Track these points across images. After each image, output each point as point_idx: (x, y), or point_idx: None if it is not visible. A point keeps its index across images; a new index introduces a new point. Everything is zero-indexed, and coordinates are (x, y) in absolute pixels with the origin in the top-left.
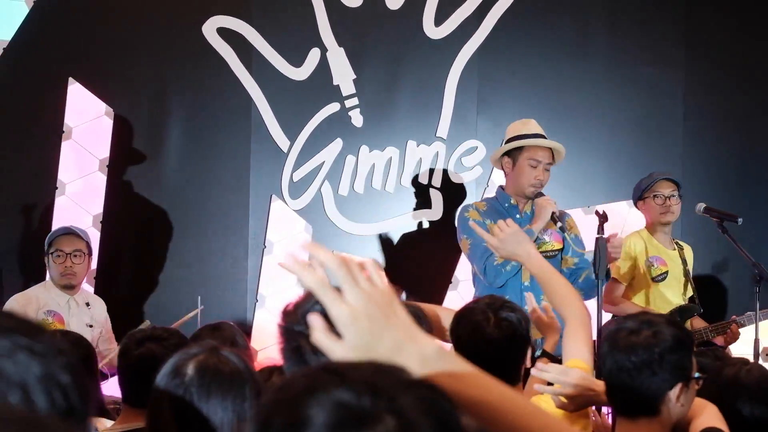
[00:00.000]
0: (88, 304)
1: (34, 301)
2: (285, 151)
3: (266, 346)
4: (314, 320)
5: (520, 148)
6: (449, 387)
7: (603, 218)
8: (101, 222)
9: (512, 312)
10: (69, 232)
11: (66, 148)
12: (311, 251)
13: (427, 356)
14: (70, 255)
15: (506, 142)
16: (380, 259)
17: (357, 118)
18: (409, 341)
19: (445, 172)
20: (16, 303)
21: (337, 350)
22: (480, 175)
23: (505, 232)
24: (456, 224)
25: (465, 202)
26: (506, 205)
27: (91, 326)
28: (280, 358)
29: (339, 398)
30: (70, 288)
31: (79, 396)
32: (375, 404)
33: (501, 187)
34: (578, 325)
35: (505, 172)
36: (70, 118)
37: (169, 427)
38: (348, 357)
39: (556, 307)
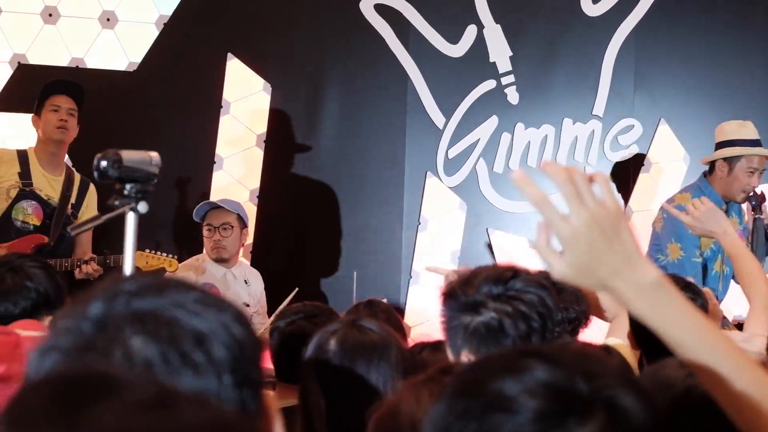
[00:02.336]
0: (246, 282)
1: (193, 273)
2: (440, 128)
3: (420, 322)
4: (539, 230)
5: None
6: (657, 320)
7: (761, 198)
8: (258, 197)
9: (695, 294)
10: (216, 207)
11: (224, 123)
12: (544, 168)
13: (644, 285)
14: (218, 229)
15: (722, 144)
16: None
17: (513, 96)
18: (628, 267)
19: (600, 150)
20: (185, 266)
21: (555, 265)
22: (636, 154)
23: (700, 210)
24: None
25: (668, 199)
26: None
27: (248, 305)
28: (444, 332)
29: (550, 381)
30: (222, 261)
31: (251, 346)
32: (592, 390)
33: (706, 179)
34: (761, 309)
35: (716, 174)
36: (228, 94)
37: (318, 404)
38: (566, 274)
39: (743, 287)
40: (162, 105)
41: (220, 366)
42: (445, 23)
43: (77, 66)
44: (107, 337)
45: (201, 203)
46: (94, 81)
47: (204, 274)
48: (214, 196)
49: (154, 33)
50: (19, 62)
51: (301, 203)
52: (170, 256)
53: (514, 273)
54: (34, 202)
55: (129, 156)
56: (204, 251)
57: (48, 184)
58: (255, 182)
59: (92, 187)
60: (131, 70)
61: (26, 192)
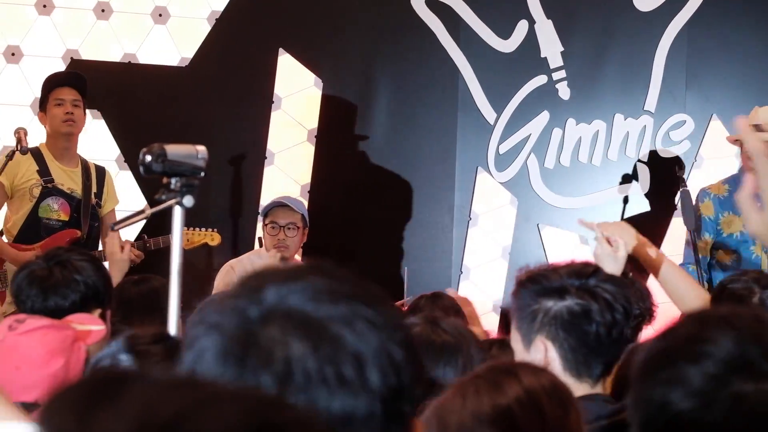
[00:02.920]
0: None
1: (249, 268)
2: (491, 123)
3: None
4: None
5: None
6: None
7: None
8: (308, 192)
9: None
10: (284, 205)
11: (275, 118)
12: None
13: None
14: (283, 228)
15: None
16: (586, 233)
17: (564, 91)
18: None
19: (652, 146)
20: (231, 268)
21: (753, 218)
22: (688, 150)
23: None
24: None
25: (702, 187)
26: None
27: None
28: (515, 317)
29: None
30: (283, 260)
31: (410, 374)
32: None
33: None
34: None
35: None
36: (279, 89)
37: None
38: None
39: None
40: (213, 100)
41: (373, 392)
42: (497, 18)
43: (129, 61)
44: (270, 334)
45: (274, 199)
46: (146, 76)
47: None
48: (265, 192)
49: (206, 28)
50: (71, 58)
51: (351, 198)
52: (211, 230)
53: (595, 268)
54: (59, 198)
55: (174, 150)
56: (261, 245)
57: (68, 177)
58: (306, 177)
59: (109, 173)
60: (183, 65)
61: (49, 189)
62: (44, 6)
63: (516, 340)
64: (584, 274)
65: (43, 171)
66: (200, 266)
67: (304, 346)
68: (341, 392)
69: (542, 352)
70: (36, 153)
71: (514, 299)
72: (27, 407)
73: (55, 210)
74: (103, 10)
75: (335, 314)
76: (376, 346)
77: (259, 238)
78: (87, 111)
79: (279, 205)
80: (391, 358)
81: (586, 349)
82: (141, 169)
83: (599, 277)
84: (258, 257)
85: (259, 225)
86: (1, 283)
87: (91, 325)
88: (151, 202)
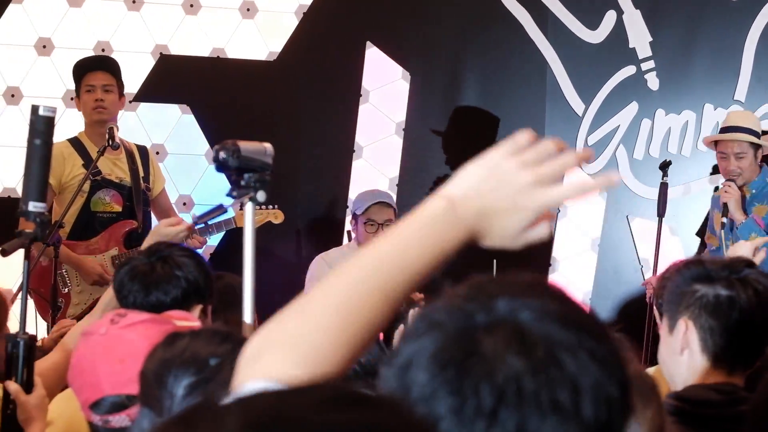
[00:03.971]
0: None
1: (334, 259)
2: (580, 114)
3: None
4: None
5: None
6: None
7: None
8: (397, 185)
9: None
10: (381, 202)
11: (363, 111)
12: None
13: None
14: (382, 225)
15: None
16: (676, 223)
17: (653, 81)
18: None
19: None
20: (321, 260)
21: None
22: None
23: None
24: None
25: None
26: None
27: None
28: (667, 294)
29: None
30: None
31: (621, 412)
32: None
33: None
34: None
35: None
36: (367, 82)
37: None
38: None
39: None
40: (301, 94)
41: (584, 424)
42: (584, 9)
43: (218, 56)
44: (493, 345)
45: (366, 194)
46: (235, 71)
47: None
48: (354, 185)
49: (293, 22)
50: (161, 53)
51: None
52: (273, 207)
53: (750, 262)
54: (110, 190)
55: (246, 146)
56: (350, 240)
57: (114, 166)
58: (394, 170)
59: (151, 152)
60: (271, 59)
61: (98, 181)
62: (133, 2)
63: (663, 325)
64: (738, 265)
65: (89, 163)
66: (288, 258)
67: (525, 363)
68: (552, 418)
69: (682, 333)
70: (77, 144)
71: (667, 284)
72: (130, 399)
73: (108, 202)
74: (191, 6)
75: (561, 339)
76: (595, 379)
77: (348, 232)
78: (177, 106)
79: (377, 203)
80: (607, 394)
81: (727, 336)
82: (215, 165)
83: (753, 270)
84: (348, 251)
85: (347, 218)
86: (63, 285)
87: (188, 321)
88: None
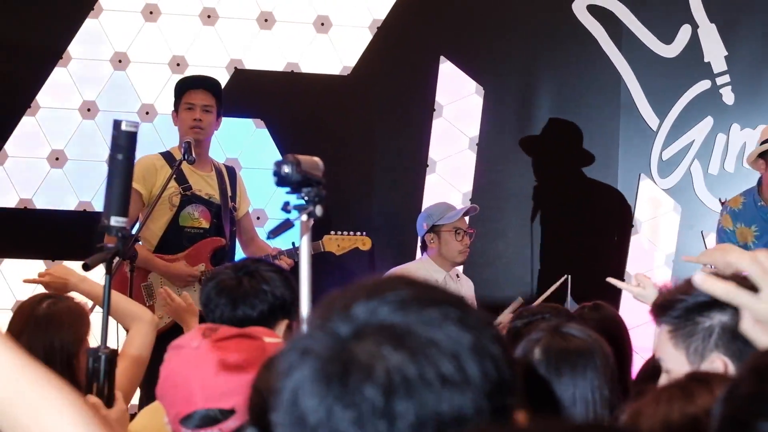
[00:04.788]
0: (458, 275)
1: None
2: (654, 129)
3: (635, 325)
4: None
5: None
6: None
7: None
8: (470, 200)
9: None
10: (468, 212)
11: (437, 126)
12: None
13: None
14: (467, 234)
15: (762, 143)
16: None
17: (728, 96)
18: None
19: None
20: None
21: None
22: None
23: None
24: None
25: (725, 199)
26: (758, 204)
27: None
28: (674, 338)
29: None
30: (461, 264)
31: (508, 367)
32: None
33: (759, 181)
34: None
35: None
36: (441, 97)
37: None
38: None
39: None
40: (375, 108)
41: (477, 387)
42: (659, 23)
43: (292, 70)
44: (366, 348)
45: (449, 206)
46: (309, 85)
47: (426, 278)
48: (427, 199)
49: (367, 37)
50: (235, 67)
51: (513, 205)
52: (361, 233)
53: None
54: (199, 206)
55: (304, 160)
56: (425, 254)
57: (205, 183)
58: (467, 185)
59: (239, 174)
60: (345, 74)
61: (188, 197)
62: (208, 16)
63: (682, 358)
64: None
65: (181, 178)
66: (362, 272)
67: (401, 354)
68: (446, 392)
69: (721, 369)
70: (170, 159)
71: (670, 320)
72: (224, 414)
73: (196, 218)
74: (266, 20)
75: (425, 320)
76: (470, 343)
77: (421, 246)
78: (251, 120)
79: (465, 213)
80: (487, 353)
81: None
82: (275, 179)
83: None
84: (421, 265)
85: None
86: (148, 297)
87: (272, 338)
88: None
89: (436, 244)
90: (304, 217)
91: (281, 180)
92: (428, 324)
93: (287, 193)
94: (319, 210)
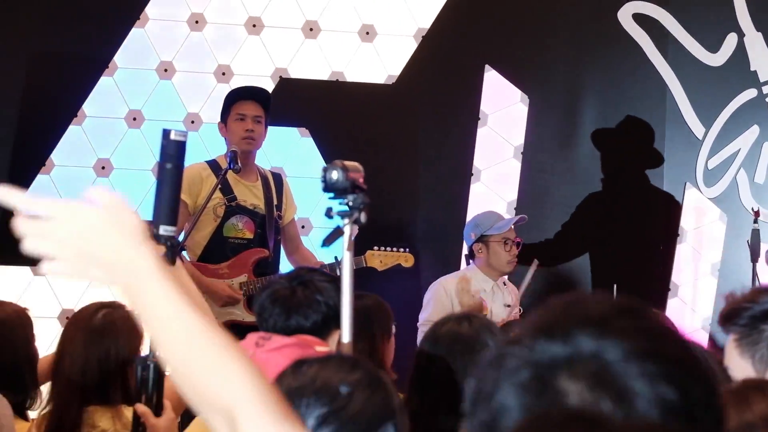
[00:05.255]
0: (504, 284)
1: (459, 288)
2: (700, 138)
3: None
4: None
5: None
6: None
7: None
8: (515, 208)
9: None
10: (516, 222)
11: (482, 134)
12: None
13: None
14: (515, 244)
15: None
16: None
17: None
18: None
19: None
20: (440, 285)
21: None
22: None
23: None
24: None
25: (757, 208)
26: None
27: (508, 306)
28: (739, 347)
29: None
30: (508, 274)
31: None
32: None
33: None
34: None
35: None
36: (486, 105)
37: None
38: None
39: None
40: (420, 117)
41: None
42: (705, 32)
43: (337, 79)
44: (576, 386)
45: (497, 216)
46: (354, 94)
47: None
48: (471, 209)
49: (412, 45)
50: (280, 76)
51: (558, 214)
52: (404, 250)
53: None
54: (243, 216)
55: (350, 166)
56: (471, 263)
57: (250, 193)
58: (512, 194)
59: (286, 180)
60: (390, 83)
61: (233, 207)
62: (254, 26)
63: (741, 364)
64: None
65: (225, 188)
66: (405, 281)
67: (613, 406)
68: None
69: None
70: (215, 168)
71: (735, 327)
72: None
73: (240, 228)
74: (311, 29)
75: (644, 375)
76: (680, 406)
77: (466, 256)
78: (296, 129)
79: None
80: (697, 415)
81: None
82: (323, 186)
83: None
84: (470, 274)
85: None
86: None
87: (322, 346)
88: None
89: (485, 254)
90: (348, 223)
91: (328, 186)
92: (645, 380)
93: (330, 199)
94: (363, 216)
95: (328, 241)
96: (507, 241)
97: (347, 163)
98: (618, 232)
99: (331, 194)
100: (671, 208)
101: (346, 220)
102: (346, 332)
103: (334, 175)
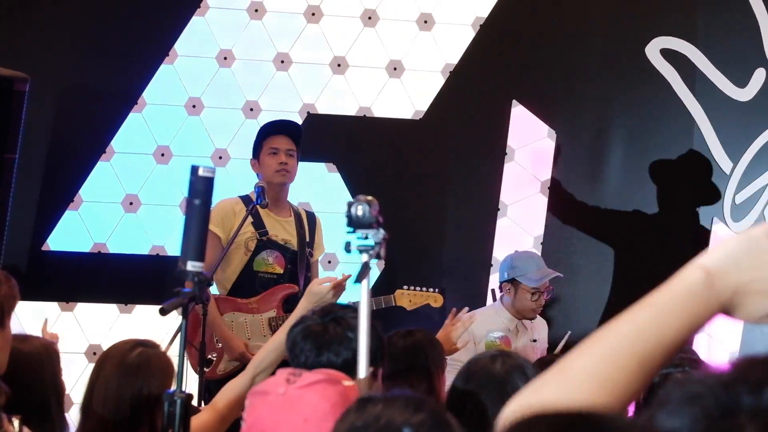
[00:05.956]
0: (531, 320)
1: (485, 324)
2: (727, 173)
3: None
4: None
5: None
6: None
7: None
8: (541, 244)
9: None
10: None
11: (508, 169)
12: None
13: None
14: (543, 294)
15: None
16: None
17: None
18: None
19: None
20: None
21: None
22: None
23: None
24: None
25: None
26: None
27: (534, 341)
28: None
29: None
30: (531, 320)
31: None
32: None
33: None
34: None
35: None
36: (513, 140)
37: None
38: None
39: None
40: (447, 152)
41: None
42: (733, 67)
43: (364, 115)
44: (756, 426)
45: (525, 254)
46: (381, 129)
47: (498, 326)
48: (498, 243)
49: (440, 81)
50: (308, 112)
51: (585, 249)
52: (434, 290)
53: None
54: (274, 251)
55: (373, 201)
56: (493, 301)
57: (282, 228)
58: (539, 229)
59: (319, 220)
60: (417, 118)
61: (264, 242)
62: (282, 62)
63: None
64: None
65: (257, 223)
66: (432, 315)
67: None
68: None
69: None
70: (248, 202)
71: None
72: None
73: (270, 263)
74: (339, 65)
75: None
76: None
77: (492, 291)
78: (324, 164)
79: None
80: None
81: None
82: (348, 221)
83: None
84: (494, 312)
85: (492, 276)
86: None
87: (349, 381)
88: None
89: (512, 295)
90: (372, 258)
91: (353, 221)
92: None
93: (349, 233)
94: (383, 251)
95: (360, 278)
96: (536, 291)
97: (370, 198)
98: (644, 267)
99: (351, 229)
100: (699, 243)
101: (369, 255)
102: (362, 368)
103: (360, 210)
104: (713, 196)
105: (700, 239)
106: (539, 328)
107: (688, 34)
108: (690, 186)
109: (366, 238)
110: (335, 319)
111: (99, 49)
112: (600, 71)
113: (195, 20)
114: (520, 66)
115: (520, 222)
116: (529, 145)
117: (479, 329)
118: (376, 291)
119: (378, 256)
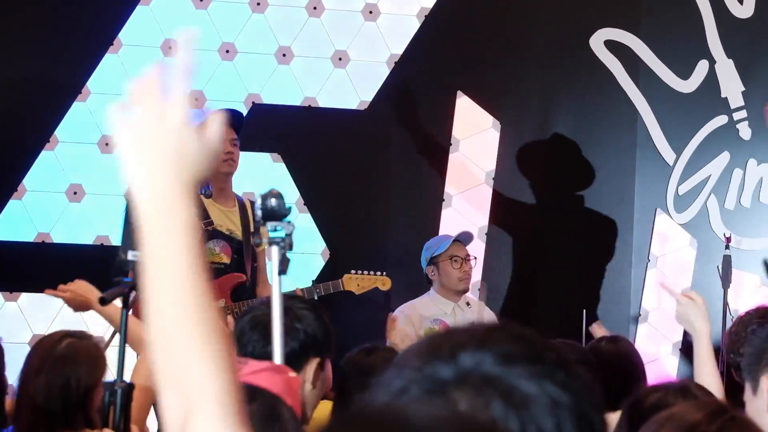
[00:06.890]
0: (468, 304)
1: (418, 311)
2: (671, 164)
3: (651, 360)
4: None
5: None
6: None
7: None
8: (486, 234)
9: None
10: (458, 240)
11: (453, 160)
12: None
13: None
14: (464, 260)
15: None
16: (763, 272)
17: (745, 131)
18: None
19: None
20: (402, 314)
21: None
22: None
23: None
24: None
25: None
26: None
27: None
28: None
29: None
30: (464, 292)
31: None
32: None
33: None
34: None
35: None
36: (458, 131)
37: None
38: None
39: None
40: (392, 143)
41: None
42: (676, 59)
43: (309, 105)
44: (467, 396)
45: (443, 237)
46: (326, 120)
47: (433, 312)
48: (443, 233)
49: (385, 71)
50: (253, 102)
51: (529, 240)
52: (381, 273)
53: None
54: (220, 241)
55: (281, 194)
56: (432, 288)
57: (227, 218)
58: (483, 220)
59: None
60: (362, 108)
61: (209, 232)
62: (227, 51)
63: (747, 388)
64: None
65: (202, 213)
66: (376, 306)
67: (504, 406)
68: None
69: (766, 391)
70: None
71: (743, 342)
72: None
73: (217, 253)
74: (284, 55)
75: (529, 377)
76: (569, 405)
77: (428, 282)
78: (269, 154)
79: (455, 241)
80: (586, 417)
81: None
82: (261, 213)
83: None
84: (429, 299)
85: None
86: None
87: (293, 373)
88: (330, 245)
89: (437, 276)
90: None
91: (267, 213)
92: (531, 381)
93: (259, 225)
94: (292, 242)
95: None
96: (455, 258)
97: (278, 191)
98: (587, 258)
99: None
100: (641, 234)
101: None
102: (277, 355)
103: (273, 202)
104: (656, 187)
105: (643, 229)
106: (477, 310)
107: (632, 26)
108: (633, 176)
109: (276, 230)
110: (283, 309)
111: (42, 38)
112: (544, 62)
113: (140, 9)
114: (465, 57)
115: (465, 212)
116: (474, 136)
117: (418, 320)
118: (321, 279)
119: (290, 247)
